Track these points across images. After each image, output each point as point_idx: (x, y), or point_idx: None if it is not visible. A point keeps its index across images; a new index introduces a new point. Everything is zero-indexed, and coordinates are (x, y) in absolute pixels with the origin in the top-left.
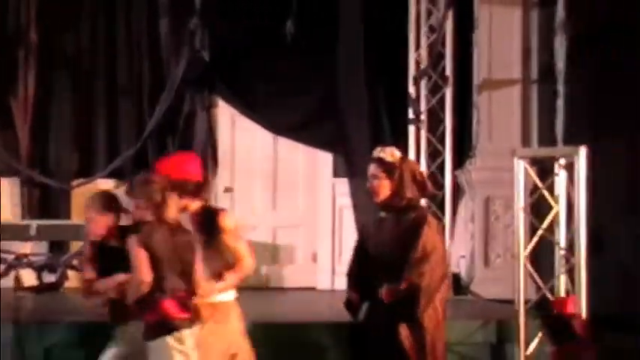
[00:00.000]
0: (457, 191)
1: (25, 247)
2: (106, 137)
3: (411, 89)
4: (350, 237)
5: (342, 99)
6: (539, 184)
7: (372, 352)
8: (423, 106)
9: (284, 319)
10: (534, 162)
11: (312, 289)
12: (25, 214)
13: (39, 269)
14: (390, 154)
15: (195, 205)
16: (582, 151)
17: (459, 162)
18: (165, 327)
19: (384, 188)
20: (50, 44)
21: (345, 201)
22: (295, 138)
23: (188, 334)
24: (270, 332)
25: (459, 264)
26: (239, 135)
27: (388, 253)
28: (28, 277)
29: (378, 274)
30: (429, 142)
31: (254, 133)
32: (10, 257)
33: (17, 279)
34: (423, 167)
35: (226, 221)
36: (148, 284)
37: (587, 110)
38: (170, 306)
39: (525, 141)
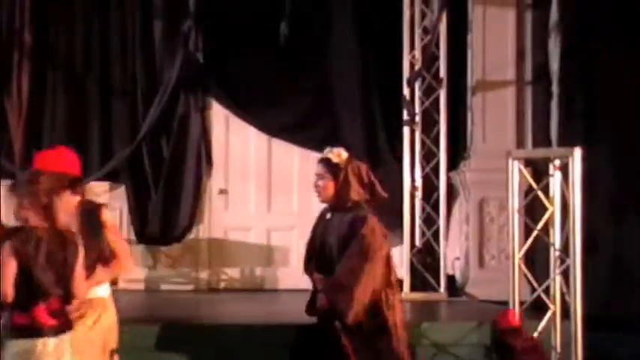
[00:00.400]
0: (451, 193)
1: None
2: (99, 139)
3: (405, 91)
4: None
5: (336, 100)
6: (534, 185)
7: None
8: (417, 108)
9: (279, 320)
10: (529, 163)
11: (307, 291)
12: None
13: None
14: (337, 154)
15: (74, 200)
16: (577, 152)
17: (453, 163)
18: (32, 331)
19: (328, 189)
20: (44, 45)
21: None
22: (289, 139)
23: (55, 341)
24: (266, 334)
25: (453, 265)
26: (233, 136)
27: (329, 253)
28: None
29: (322, 274)
30: (423, 144)
31: (248, 134)
32: None
33: None
34: (417, 169)
35: (107, 215)
36: (9, 297)
37: (582, 111)
38: (40, 312)
39: (520, 142)
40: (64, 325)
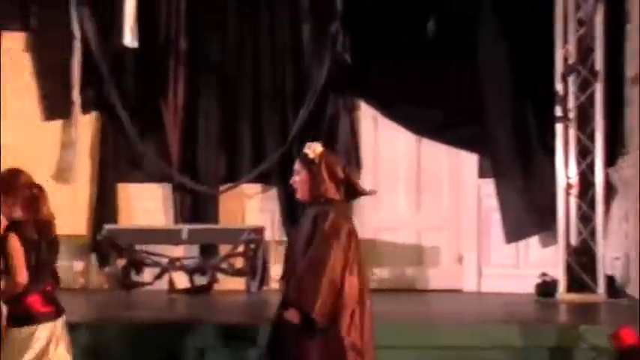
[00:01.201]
0: (609, 190)
1: (179, 251)
2: (251, 141)
3: (559, 86)
4: (497, 239)
5: (486, 98)
6: None
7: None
8: (571, 104)
9: (428, 321)
10: None
11: (458, 291)
12: (177, 219)
13: (191, 272)
14: (313, 149)
15: None
16: None
17: (610, 159)
18: (28, 319)
19: (303, 184)
20: (198, 52)
21: (491, 202)
22: (438, 139)
23: (48, 326)
24: (415, 334)
25: (612, 265)
26: (382, 137)
27: (295, 251)
28: (181, 280)
29: (290, 273)
30: (578, 140)
31: (397, 134)
32: (164, 261)
33: (171, 282)
34: (572, 166)
35: None
36: (23, 286)
37: None
38: (35, 300)
39: None
40: (58, 310)
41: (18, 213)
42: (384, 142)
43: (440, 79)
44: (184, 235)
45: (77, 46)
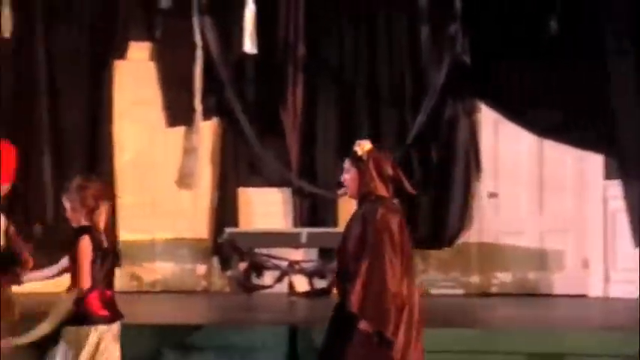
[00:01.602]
0: None
1: (298, 254)
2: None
3: None
4: (624, 242)
5: (612, 98)
6: None
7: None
8: None
9: (552, 326)
10: None
11: (584, 296)
12: (296, 222)
13: (310, 275)
14: (361, 146)
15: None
16: None
17: None
18: (85, 319)
19: (352, 182)
20: (316, 57)
21: (618, 204)
22: (562, 140)
23: (102, 329)
24: (538, 340)
25: None
26: (502, 139)
27: (348, 249)
28: (301, 283)
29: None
30: None
31: (518, 136)
32: (284, 264)
33: (291, 284)
34: None
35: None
36: (85, 290)
37: None
38: (95, 303)
39: None
40: (115, 315)
41: (82, 221)
42: (504, 144)
43: (562, 79)
44: (303, 239)
45: (199, 54)
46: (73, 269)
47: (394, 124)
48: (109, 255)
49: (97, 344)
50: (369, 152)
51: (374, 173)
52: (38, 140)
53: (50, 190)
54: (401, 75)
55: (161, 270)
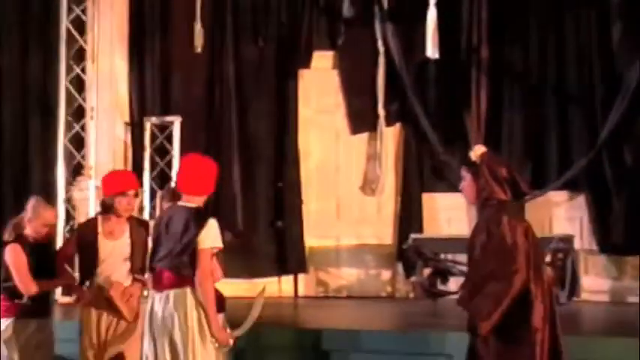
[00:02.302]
0: None
1: None
2: (557, 148)
3: None
4: None
5: None
6: None
7: None
8: None
9: None
10: None
11: None
12: None
13: None
14: (475, 152)
15: None
16: None
17: None
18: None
19: (469, 188)
20: (500, 59)
21: None
22: None
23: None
24: None
25: None
26: None
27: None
28: None
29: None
30: None
31: None
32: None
33: None
34: None
35: None
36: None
37: None
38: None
39: None
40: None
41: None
42: None
43: None
44: None
45: (381, 60)
46: None
47: (584, 125)
48: None
49: None
50: (482, 156)
51: (489, 177)
52: (228, 150)
53: (240, 199)
54: (590, 75)
55: (346, 276)
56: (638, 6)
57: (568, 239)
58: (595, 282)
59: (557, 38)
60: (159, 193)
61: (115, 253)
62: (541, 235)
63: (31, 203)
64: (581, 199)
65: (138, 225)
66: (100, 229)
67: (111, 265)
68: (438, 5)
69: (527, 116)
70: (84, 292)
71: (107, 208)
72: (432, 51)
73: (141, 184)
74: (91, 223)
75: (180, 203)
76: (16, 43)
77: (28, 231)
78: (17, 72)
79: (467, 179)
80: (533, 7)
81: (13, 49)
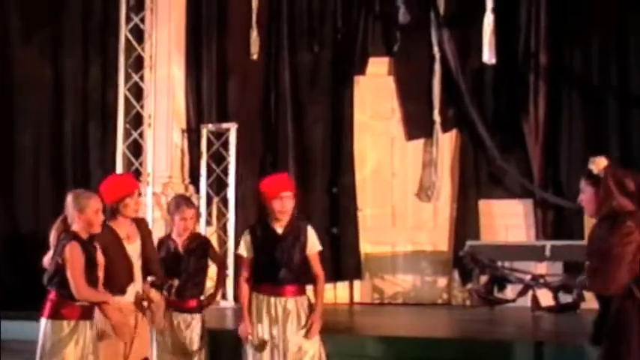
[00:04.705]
0: None
1: (541, 268)
2: (619, 153)
3: None
4: None
5: None
6: None
7: None
8: None
9: None
10: None
11: None
12: (539, 235)
13: (555, 289)
14: (596, 163)
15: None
16: None
17: None
18: None
19: (590, 202)
20: (559, 65)
21: None
22: None
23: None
24: None
25: None
26: None
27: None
28: (545, 297)
29: None
30: None
31: None
32: (527, 277)
33: (534, 299)
34: None
35: None
36: None
37: None
38: None
39: None
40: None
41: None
42: None
43: None
44: (547, 252)
45: (437, 67)
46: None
47: None
48: None
49: None
50: (606, 169)
51: (615, 190)
52: (284, 156)
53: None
54: None
55: (402, 282)
56: None
57: None
58: None
59: (618, 42)
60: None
61: (134, 256)
62: None
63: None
64: None
65: (143, 224)
66: (121, 234)
67: (137, 270)
68: (496, 10)
69: (586, 122)
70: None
71: (113, 213)
72: (488, 56)
73: (198, 191)
74: (110, 230)
75: None
76: (77, 53)
77: (78, 227)
78: (78, 80)
79: (587, 192)
80: (594, 10)
81: (74, 58)
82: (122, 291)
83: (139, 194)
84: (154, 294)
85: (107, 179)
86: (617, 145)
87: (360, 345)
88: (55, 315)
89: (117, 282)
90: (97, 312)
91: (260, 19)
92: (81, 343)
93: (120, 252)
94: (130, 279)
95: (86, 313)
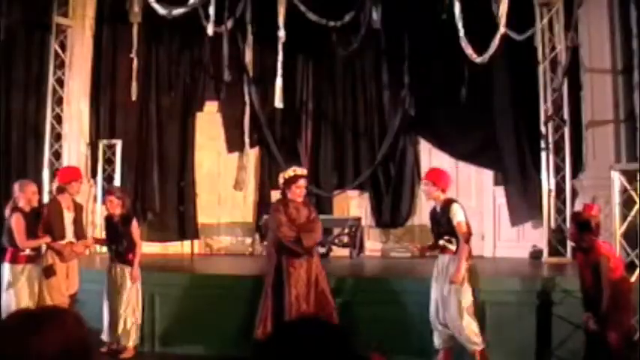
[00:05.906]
0: (574, 193)
1: None
2: (352, 163)
3: (543, 129)
4: (506, 223)
5: (499, 136)
6: (628, 187)
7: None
8: (550, 139)
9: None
10: (624, 172)
11: (481, 257)
12: None
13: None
14: (286, 173)
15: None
16: None
17: (574, 174)
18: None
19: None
20: (320, 109)
21: (502, 200)
22: (469, 161)
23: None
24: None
25: None
26: (434, 160)
27: None
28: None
29: None
30: (555, 162)
31: (442, 158)
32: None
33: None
34: (552, 178)
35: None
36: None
37: None
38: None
39: (617, 158)
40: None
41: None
42: (435, 163)
43: (469, 122)
44: None
45: (247, 108)
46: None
47: (368, 150)
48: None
49: None
50: (284, 179)
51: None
52: (151, 162)
53: (157, 191)
54: (372, 120)
55: (224, 241)
56: (397, 82)
57: (358, 219)
58: (373, 245)
59: (353, 98)
60: None
61: (69, 220)
62: (342, 217)
63: (17, 185)
64: (365, 195)
65: (78, 204)
66: (64, 205)
67: (69, 228)
68: (283, 75)
69: (335, 143)
70: (63, 247)
71: (61, 190)
72: (278, 103)
73: (96, 183)
74: (57, 201)
75: None
76: (20, 93)
77: (22, 203)
78: (19, 111)
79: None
80: (338, 74)
81: (18, 97)
82: (61, 238)
83: (81, 182)
84: (78, 244)
85: (64, 167)
86: (351, 158)
87: (196, 280)
88: (12, 260)
89: (57, 233)
90: (47, 253)
91: (138, 74)
92: (30, 279)
93: (60, 216)
94: (64, 232)
95: (32, 259)
